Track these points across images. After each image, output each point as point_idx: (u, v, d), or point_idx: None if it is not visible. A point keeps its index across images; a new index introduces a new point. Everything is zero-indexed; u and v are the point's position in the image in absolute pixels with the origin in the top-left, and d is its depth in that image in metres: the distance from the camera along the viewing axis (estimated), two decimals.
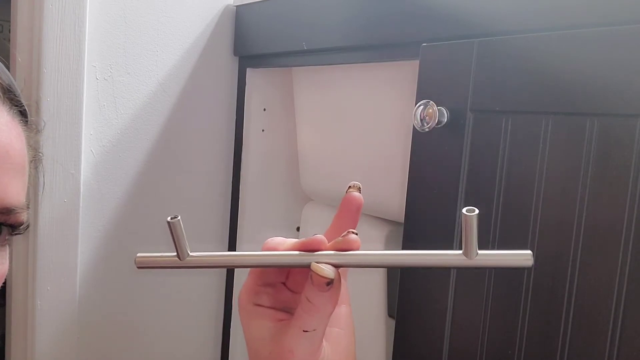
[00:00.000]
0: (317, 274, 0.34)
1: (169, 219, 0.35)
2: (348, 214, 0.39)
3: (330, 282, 0.34)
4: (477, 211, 0.31)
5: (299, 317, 0.36)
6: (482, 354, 0.58)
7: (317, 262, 0.34)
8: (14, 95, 0.41)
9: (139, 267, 0.38)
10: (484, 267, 0.33)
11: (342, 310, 0.41)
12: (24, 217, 0.40)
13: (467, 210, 0.31)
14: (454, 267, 0.34)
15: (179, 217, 0.36)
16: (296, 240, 0.38)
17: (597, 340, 0.49)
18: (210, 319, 1.05)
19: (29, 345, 0.86)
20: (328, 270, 0.34)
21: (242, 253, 0.38)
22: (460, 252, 0.33)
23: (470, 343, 0.59)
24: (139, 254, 0.38)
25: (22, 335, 0.87)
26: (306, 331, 0.36)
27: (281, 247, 0.38)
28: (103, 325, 0.93)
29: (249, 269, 0.40)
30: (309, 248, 0.36)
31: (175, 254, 0.37)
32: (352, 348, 0.41)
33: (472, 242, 0.32)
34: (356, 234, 0.36)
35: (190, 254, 0.37)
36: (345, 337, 0.41)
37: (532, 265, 0.32)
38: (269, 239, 0.39)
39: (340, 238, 0.36)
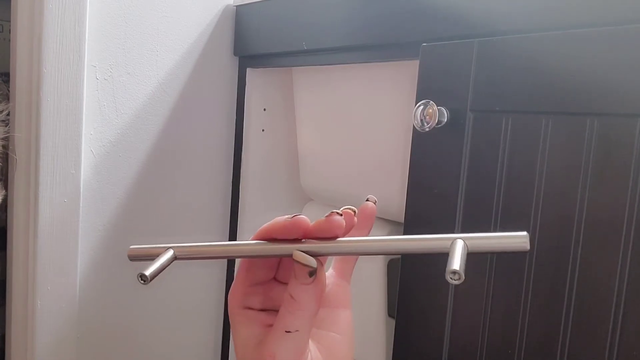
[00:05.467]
0: (299, 262, 0.33)
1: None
2: (362, 219, 0.39)
3: (312, 272, 0.33)
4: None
5: (282, 318, 0.35)
6: (482, 352, 0.58)
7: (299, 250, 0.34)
8: None
9: (131, 260, 0.37)
10: (477, 252, 0.31)
11: (340, 314, 0.40)
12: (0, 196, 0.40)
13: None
14: (443, 253, 0.32)
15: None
16: (285, 217, 0.36)
17: (597, 338, 0.49)
18: (211, 320, 1.05)
19: (29, 344, 0.86)
20: (311, 258, 0.33)
21: (239, 243, 0.37)
22: (450, 235, 0.32)
23: (470, 342, 0.59)
24: (131, 247, 0.37)
25: (22, 334, 0.87)
26: (289, 332, 0.34)
27: (275, 230, 0.36)
28: (103, 325, 0.93)
29: (237, 266, 0.39)
30: (294, 229, 0.35)
31: (166, 246, 0.37)
32: (350, 355, 0.39)
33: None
34: (340, 215, 0.35)
35: (174, 246, 0.37)
36: (343, 343, 0.39)
37: (528, 250, 0.31)
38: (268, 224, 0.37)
39: (322, 218, 0.35)
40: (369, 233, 0.40)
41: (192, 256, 0.37)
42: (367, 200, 0.40)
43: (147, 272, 0.34)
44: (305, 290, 0.34)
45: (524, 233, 0.30)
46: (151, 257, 0.36)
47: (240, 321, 0.38)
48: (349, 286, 0.41)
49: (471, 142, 0.59)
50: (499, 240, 0.31)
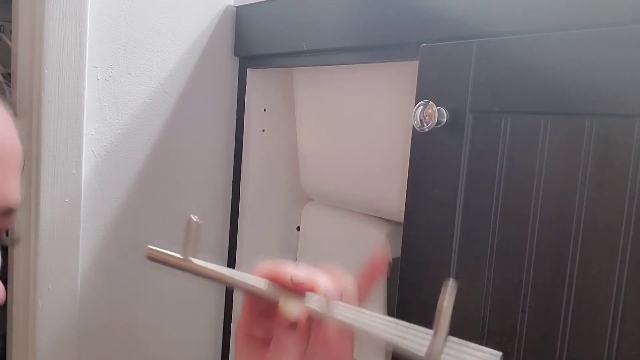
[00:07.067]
0: (281, 312, 0.35)
1: (192, 216, 0.36)
2: (372, 269, 0.40)
3: (294, 325, 0.34)
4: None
5: (271, 358, 0.36)
6: None
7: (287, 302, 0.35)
8: (6, 86, 0.40)
9: (149, 259, 0.38)
10: None
11: None
12: (15, 217, 0.40)
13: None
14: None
15: (200, 222, 0.36)
16: (295, 279, 0.37)
17: (596, 337, 0.50)
18: (211, 320, 1.06)
19: (30, 344, 0.87)
20: (290, 312, 0.34)
21: (241, 275, 0.38)
22: (424, 350, 0.33)
23: (469, 341, 0.59)
24: (149, 247, 0.38)
25: (23, 334, 0.88)
26: None
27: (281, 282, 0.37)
28: (104, 325, 0.93)
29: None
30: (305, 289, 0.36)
31: (182, 256, 0.38)
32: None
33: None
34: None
35: (194, 260, 0.38)
36: None
37: None
38: (281, 266, 0.38)
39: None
40: (377, 281, 0.41)
41: (198, 273, 0.38)
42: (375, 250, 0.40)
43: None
44: (289, 335, 0.35)
45: (499, 353, 0.30)
46: (164, 261, 0.38)
47: (243, 350, 0.40)
48: (352, 346, 0.41)
49: (470, 142, 0.59)
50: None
